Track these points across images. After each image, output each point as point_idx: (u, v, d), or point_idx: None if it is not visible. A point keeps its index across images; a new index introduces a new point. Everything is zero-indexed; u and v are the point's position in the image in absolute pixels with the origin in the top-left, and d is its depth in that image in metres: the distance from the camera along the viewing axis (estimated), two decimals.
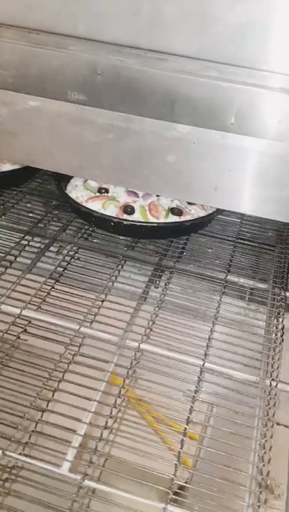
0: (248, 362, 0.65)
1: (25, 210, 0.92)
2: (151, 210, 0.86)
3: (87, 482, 0.50)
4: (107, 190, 0.89)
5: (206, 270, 0.81)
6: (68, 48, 0.61)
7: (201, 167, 0.63)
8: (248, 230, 0.94)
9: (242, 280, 0.80)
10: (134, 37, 0.60)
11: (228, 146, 0.61)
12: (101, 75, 0.62)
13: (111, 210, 0.85)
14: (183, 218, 0.86)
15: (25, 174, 0.99)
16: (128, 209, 0.84)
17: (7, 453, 0.51)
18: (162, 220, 0.85)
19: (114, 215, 0.84)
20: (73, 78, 0.63)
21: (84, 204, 0.86)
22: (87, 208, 0.85)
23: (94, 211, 0.84)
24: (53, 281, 0.74)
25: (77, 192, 0.89)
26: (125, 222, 0.82)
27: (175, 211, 0.86)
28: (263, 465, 0.53)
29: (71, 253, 0.82)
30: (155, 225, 0.84)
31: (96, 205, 0.85)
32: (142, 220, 0.84)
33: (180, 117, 0.62)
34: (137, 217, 0.84)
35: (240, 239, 0.90)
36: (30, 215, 0.91)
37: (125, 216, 0.84)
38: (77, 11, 0.59)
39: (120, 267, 0.80)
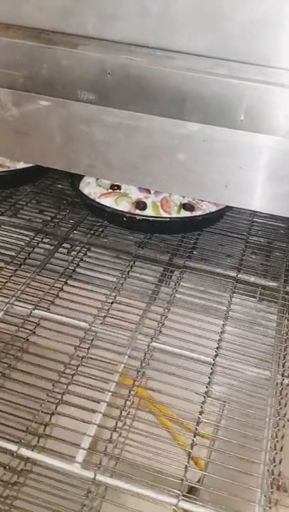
0: (259, 360, 0.65)
1: (37, 209, 0.92)
2: (163, 205, 0.86)
3: (100, 477, 0.50)
4: (119, 187, 0.89)
5: (217, 268, 0.81)
6: (78, 48, 0.61)
7: (211, 164, 0.63)
8: (260, 227, 0.93)
9: (253, 278, 0.79)
10: (143, 35, 0.59)
11: (238, 143, 0.60)
12: (111, 74, 0.62)
13: (124, 206, 0.85)
14: (194, 213, 0.86)
15: (38, 173, 0.99)
16: (140, 205, 0.85)
17: (20, 451, 0.52)
18: (174, 215, 0.85)
19: (126, 211, 0.84)
20: (83, 78, 0.63)
21: (97, 200, 0.86)
22: (100, 204, 0.85)
23: (107, 206, 0.84)
24: (64, 281, 0.74)
25: (90, 189, 0.90)
26: (138, 217, 0.82)
27: (187, 206, 0.86)
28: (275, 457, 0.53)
29: (81, 253, 0.82)
30: (167, 219, 0.84)
31: (109, 202, 0.86)
32: (155, 215, 0.84)
33: (190, 115, 0.61)
34: (149, 212, 0.84)
35: (252, 236, 0.90)
36: (42, 214, 0.91)
37: (138, 211, 0.84)
38: (87, 10, 0.59)
39: (131, 265, 0.80)
